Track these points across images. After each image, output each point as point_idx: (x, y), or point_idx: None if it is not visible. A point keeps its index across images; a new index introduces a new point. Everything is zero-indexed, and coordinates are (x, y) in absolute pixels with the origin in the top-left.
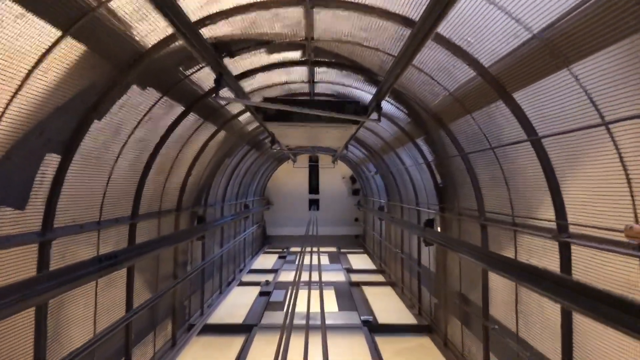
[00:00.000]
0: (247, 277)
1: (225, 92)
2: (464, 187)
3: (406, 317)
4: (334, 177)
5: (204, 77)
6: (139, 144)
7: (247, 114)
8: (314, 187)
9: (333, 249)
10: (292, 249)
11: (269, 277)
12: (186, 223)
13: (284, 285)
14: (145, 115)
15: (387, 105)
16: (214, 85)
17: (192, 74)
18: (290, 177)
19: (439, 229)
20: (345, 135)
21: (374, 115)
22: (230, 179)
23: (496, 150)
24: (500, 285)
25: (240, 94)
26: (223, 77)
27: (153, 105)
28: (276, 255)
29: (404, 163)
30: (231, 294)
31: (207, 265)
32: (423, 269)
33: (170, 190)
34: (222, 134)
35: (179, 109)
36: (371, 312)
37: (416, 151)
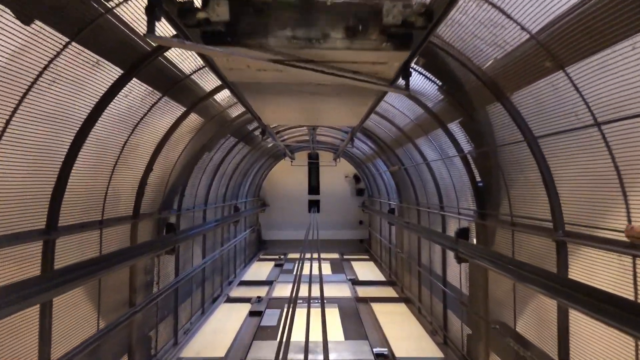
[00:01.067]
0: (236, 291)
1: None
2: (523, 186)
3: (429, 349)
4: (336, 176)
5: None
6: (50, 118)
7: (226, 94)
8: (314, 187)
9: (335, 256)
10: (290, 256)
11: (262, 291)
12: (149, 233)
13: (278, 303)
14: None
15: (413, 78)
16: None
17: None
18: (288, 176)
19: (474, 241)
20: (359, 110)
21: (401, 83)
22: (214, 178)
23: (604, 128)
24: (590, 331)
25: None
26: None
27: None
28: (272, 263)
29: (424, 157)
30: (216, 313)
31: (182, 282)
32: (451, 288)
33: (121, 191)
34: (195, 119)
35: (113, 70)
36: (385, 341)
37: (446, 139)
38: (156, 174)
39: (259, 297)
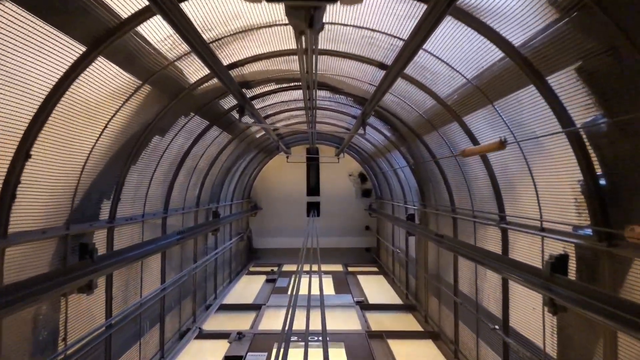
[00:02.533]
0: (213, 321)
1: None
2: None
3: None
4: (339, 175)
5: None
6: None
7: (168, 31)
8: (313, 187)
9: (338, 268)
10: (285, 267)
11: (247, 321)
12: (47, 262)
13: (265, 342)
14: None
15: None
16: None
17: None
18: (284, 175)
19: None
20: None
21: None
22: (178, 174)
23: None
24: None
25: None
26: None
27: None
28: (263, 278)
29: (476, 141)
30: (180, 358)
31: (122, 324)
32: (520, 339)
33: None
34: (117, 75)
35: None
36: None
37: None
38: (52, 165)
39: (239, 334)
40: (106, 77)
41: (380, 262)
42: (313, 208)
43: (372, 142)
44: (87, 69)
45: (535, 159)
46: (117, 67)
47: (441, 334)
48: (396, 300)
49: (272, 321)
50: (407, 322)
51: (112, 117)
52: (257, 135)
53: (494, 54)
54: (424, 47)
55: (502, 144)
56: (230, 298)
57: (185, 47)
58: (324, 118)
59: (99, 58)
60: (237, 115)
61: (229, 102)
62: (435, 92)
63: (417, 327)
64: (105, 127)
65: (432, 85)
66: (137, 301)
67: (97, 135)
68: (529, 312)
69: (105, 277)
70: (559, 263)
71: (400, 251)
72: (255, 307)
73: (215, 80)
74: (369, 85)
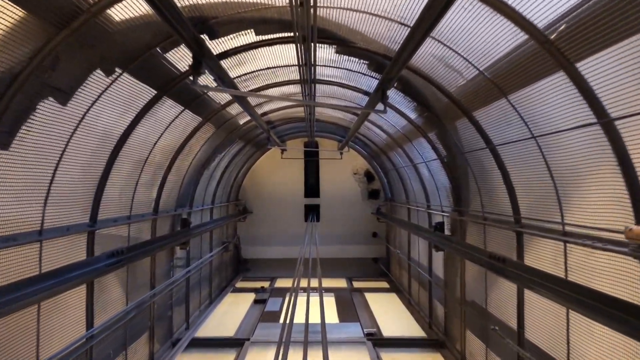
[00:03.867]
0: None
1: None
2: None
3: None
4: (342, 173)
5: None
6: None
7: None
8: (312, 187)
9: (342, 284)
10: (279, 282)
11: None
12: None
13: None
14: None
15: None
16: None
17: None
18: (278, 173)
19: None
20: None
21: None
22: (112, 166)
23: None
24: None
25: None
26: None
27: None
28: (251, 297)
29: None
30: None
31: None
32: None
33: None
34: None
35: None
36: None
37: None
38: None
39: None
40: None
41: (390, 276)
42: (312, 212)
43: (386, 130)
44: None
45: None
46: None
47: None
48: (417, 331)
49: None
50: None
51: None
52: (241, 122)
53: None
54: None
55: None
56: (207, 328)
57: None
58: (325, 98)
59: None
60: (202, 83)
61: (182, 58)
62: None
63: None
64: None
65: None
66: None
67: None
68: None
69: None
70: None
71: (418, 266)
72: (236, 343)
73: (148, 9)
74: (397, 29)
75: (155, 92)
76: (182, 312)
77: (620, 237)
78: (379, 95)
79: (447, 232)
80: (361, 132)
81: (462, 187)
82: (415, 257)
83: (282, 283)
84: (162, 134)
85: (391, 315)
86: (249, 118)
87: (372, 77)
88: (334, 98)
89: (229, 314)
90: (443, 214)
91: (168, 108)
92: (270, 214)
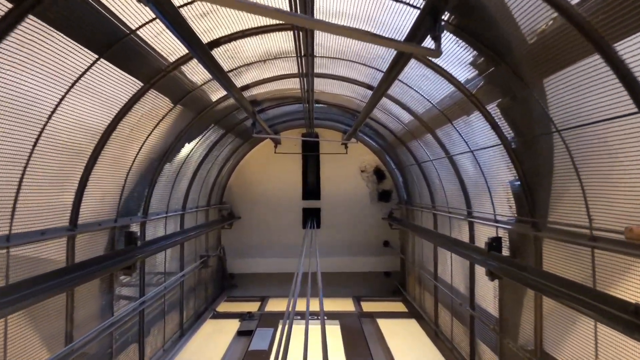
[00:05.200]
0: None
1: None
2: None
3: None
4: (347, 171)
5: None
6: None
7: None
8: (311, 188)
9: (348, 305)
10: (271, 304)
11: None
12: None
13: None
14: None
15: None
16: None
17: None
18: (271, 171)
19: None
20: None
21: None
22: None
23: None
24: None
25: None
26: None
27: None
28: (235, 325)
29: None
30: None
31: None
32: None
33: None
34: None
35: None
36: None
37: None
38: None
39: None
40: None
41: (407, 295)
42: (311, 216)
43: (411, 108)
44: None
45: None
46: None
47: None
48: None
49: None
50: None
51: None
52: (213, 97)
53: None
54: None
55: None
56: None
57: None
58: (329, 63)
59: None
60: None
61: None
62: None
63: None
64: None
65: None
66: None
67: None
68: None
69: None
70: None
71: (454, 294)
72: None
73: None
74: None
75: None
76: (135, 356)
77: None
78: (426, 24)
79: (506, 250)
80: (374, 117)
81: (537, 188)
82: (444, 278)
83: (275, 305)
84: (64, 95)
85: (414, 352)
86: (224, 93)
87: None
88: (341, 63)
89: (203, 353)
90: (498, 225)
91: (71, 53)
92: (262, 219)
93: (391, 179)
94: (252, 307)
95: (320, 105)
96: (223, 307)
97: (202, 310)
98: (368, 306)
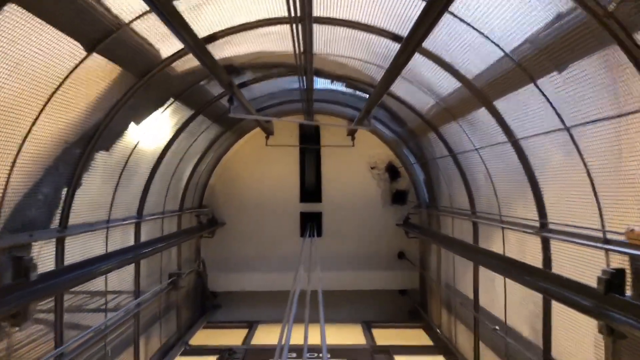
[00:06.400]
0: None
1: None
2: None
3: None
4: (354, 167)
5: None
6: None
7: None
8: (311, 188)
9: (357, 335)
10: (260, 332)
11: None
12: None
13: None
14: None
15: None
16: None
17: None
18: (262, 168)
19: None
20: None
21: None
22: None
23: None
24: None
25: None
26: None
27: None
28: None
29: None
30: None
31: None
32: None
33: None
34: None
35: None
36: None
37: None
38: None
39: None
40: None
41: (429, 320)
42: (311, 222)
43: (459, 71)
44: None
45: None
46: None
47: None
48: None
49: None
50: None
51: None
52: (165, 52)
53: None
54: None
55: None
56: None
57: None
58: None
59: None
60: None
61: None
62: None
63: None
64: None
65: None
66: None
67: None
68: None
69: None
70: None
71: (509, 337)
72: None
73: None
74: None
75: None
76: None
77: None
78: None
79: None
80: (392, 92)
81: None
82: (491, 311)
83: (265, 334)
84: None
85: None
86: (178, 45)
87: None
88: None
89: None
90: (610, 248)
91: None
92: (251, 226)
93: (408, 176)
94: (237, 336)
95: (322, 80)
96: (200, 337)
97: (172, 342)
98: (381, 335)
